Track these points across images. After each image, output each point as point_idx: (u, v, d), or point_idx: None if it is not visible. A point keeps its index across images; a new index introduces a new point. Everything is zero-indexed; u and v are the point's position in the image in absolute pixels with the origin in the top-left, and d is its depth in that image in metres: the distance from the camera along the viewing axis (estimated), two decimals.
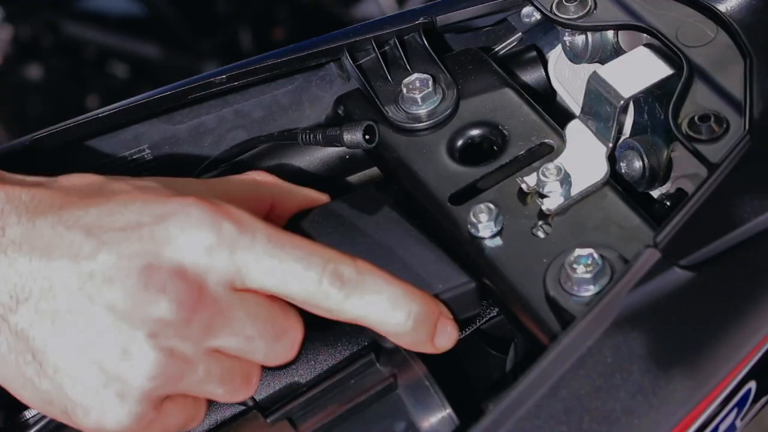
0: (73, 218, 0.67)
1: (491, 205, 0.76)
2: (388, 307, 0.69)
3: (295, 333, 0.70)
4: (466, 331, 0.83)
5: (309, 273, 0.68)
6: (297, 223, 0.78)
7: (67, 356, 0.66)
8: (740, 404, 0.73)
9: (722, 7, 0.79)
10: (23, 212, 0.67)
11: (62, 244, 0.66)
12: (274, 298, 0.69)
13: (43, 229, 0.67)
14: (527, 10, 0.89)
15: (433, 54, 0.86)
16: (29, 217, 0.67)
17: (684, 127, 0.75)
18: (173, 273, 0.66)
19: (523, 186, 0.78)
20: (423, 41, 0.87)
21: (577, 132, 0.80)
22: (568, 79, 0.91)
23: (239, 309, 0.67)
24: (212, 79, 0.84)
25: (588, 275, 0.70)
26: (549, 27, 0.91)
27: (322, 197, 0.81)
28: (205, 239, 0.67)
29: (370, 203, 0.78)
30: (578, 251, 0.71)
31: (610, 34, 0.84)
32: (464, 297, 0.74)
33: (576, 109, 0.88)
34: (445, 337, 0.72)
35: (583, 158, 0.79)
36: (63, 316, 0.66)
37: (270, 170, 0.83)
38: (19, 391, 0.68)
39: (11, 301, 0.66)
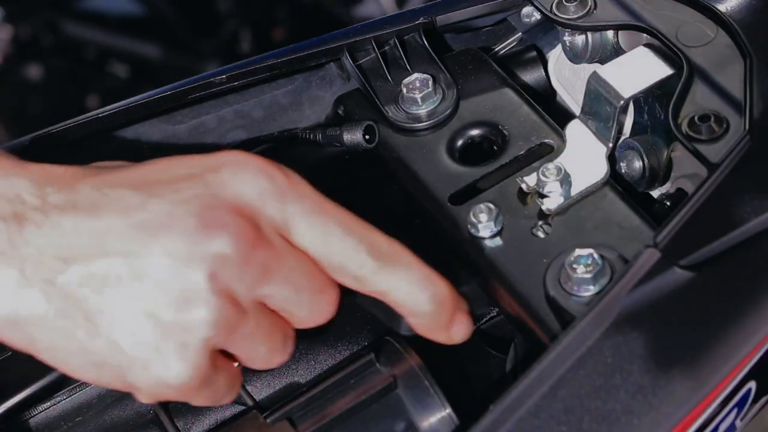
0: (117, 179, 0.67)
1: (491, 205, 0.76)
2: (415, 285, 0.70)
3: (334, 289, 0.70)
4: None
5: (349, 238, 0.68)
6: None
7: (123, 310, 0.65)
8: (740, 404, 0.73)
9: (722, 7, 0.79)
10: (61, 182, 0.66)
11: (109, 201, 0.66)
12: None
13: (86, 192, 0.66)
14: (527, 10, 0.89)
15: (433, 54, 0.86)
16: (69, 185, 0.66)
17: (684, 127, 0.75)
18: (232, 210, 0.66)
19: (523, 186, 0.78)
20: (423, 41, 0.87)
21: (577, 132, 0.80)
22: (568, 79, 0.91)
23: (290, 256, 0.67)
24: (212, 79, 0.84)
25: (588, 275, 0.70)
26: (549, 27, 0.91)
27: None
28: (259, 185, 0.67)
29: None
30: (578, 251, 0.71)
31: (610, 34, 0.84)
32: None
33: (576, 109, 0.88)
34: (461, 327, 0.72)
35: (583, 158, 0.79)
36: (116, 270, 0.64)
37: None
38: (67, 358, 0.66)
39: (59, 263, 0.64)
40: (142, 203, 0.65)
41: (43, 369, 0.83)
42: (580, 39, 0.84)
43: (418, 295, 0.70)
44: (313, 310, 0.69)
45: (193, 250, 0.64)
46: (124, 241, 0.65)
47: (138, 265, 0.65)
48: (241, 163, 0.68)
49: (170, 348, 0.65)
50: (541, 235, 0.76)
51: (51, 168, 0.68)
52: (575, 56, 0.85)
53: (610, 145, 0.79)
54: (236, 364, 0.70)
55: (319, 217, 0.68)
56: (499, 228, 0.76)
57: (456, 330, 0.72)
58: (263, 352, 0.69)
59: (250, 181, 0.67)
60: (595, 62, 0.85)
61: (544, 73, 0.92)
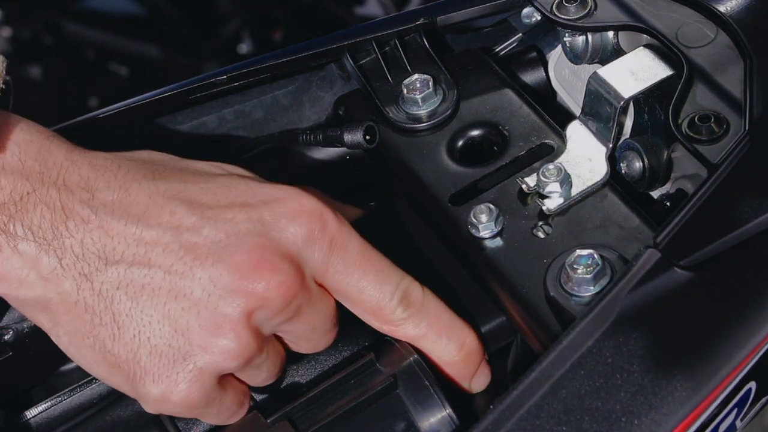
0: (172, 190, 0.67)
1: (491, 206, 0.76)
2: (443, 336, 0.72)
3: (338, 327, 0.73)
4: None
5: (385, 287, 0.70)
6: None
7: (152, 323, 0.65)
8: (740, 404, 0.73)
9: (722, 8, 0.79)
10: (112, 179, 0.67)
11: (162, 213, 0.66)
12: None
13: (139, 197, 0.66)
14: (527, 10, 0.89)
15: (434, 54, 0.86)
16: (120, 185, 0.67)
17: (684, 127, 0.76)
18: (284, 255, 0.67)
19: (524, 186, 0.78)
20: (423, 42, 0.87)
21: (577, 132, 0.81)
22: (568, 80, 0.91)
23: (320, 301, 0.69)
24: (213, 80, 0.84)
25: (588, 275, 0.70)
26: (549, 27, 0.91)
27: (358, 213, 0.82)
28: (311, 231, 0.68)
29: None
30: (578, 251, 0.71)
31: (610, 34, 0.84)
32: (496, 331, 0.78)
33: (576, 110, 0.88)
34: (482, 379, 0.75)
35: (583, 159, 0.79)
36: (155, 283, 0.65)
37: (270, 171, 0.83)
38: (83, 351, 0.67)
39: (99, 262, 0.65)
40: (194, 225, 0.66)
41: (44, 369, 0.83)
42: (580, 39, 0.84)
43: (445, 345, 0.73)
44: (317, 344, 0.72)
45: (238, 286, 0.66)
46: (170, 257, 0.66)
47: (179, 284, 0.65)
48: (299, 204, 0.68)
49: (186, 368, 0.66)
50: (541, 235, 0.76)
51: (104, 162, 0.68)
52: (575, 57, 0.85)
53: (610, 145, 0.79)
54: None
55: (360, 268, 0.70)
56: (500, 228, 0.76)
57: (477, 380, 0.75)
58: (264, 377, 0.71)
59: (305, 225, 0.68)
60: (595, 63, 0.85)
61: (544, 74, 0.92)
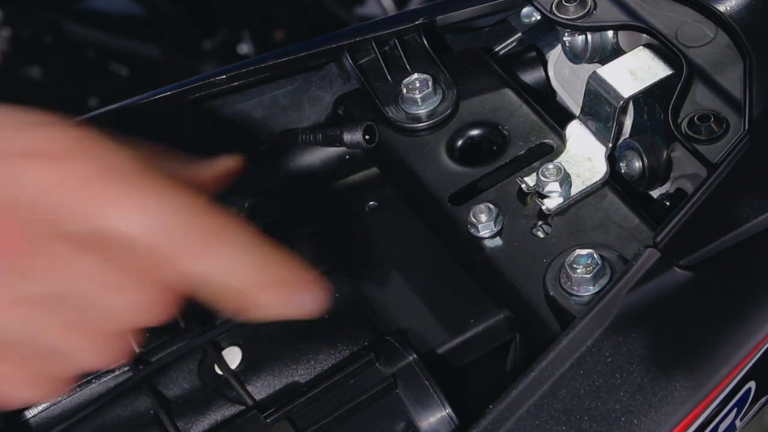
0: None
1: (491, 205, 0.76)
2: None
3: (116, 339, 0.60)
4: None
5: (143, 219, 0.59)
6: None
7: None
8: (740, 404, 0.73)
9: (722, 7, 0.79)
10: None
11: None
12: None
13: None
14: (527, 10, 0.89)
15: (433, 54, 0.86)
16: None
17: (684, 127, 0.76)
18: (4, 206, 0.57)
19: (523, 186, 0.78)
20: (423, 41, 0.87)
21: (576, 132, 0.81)
22: (567, 80, 0.91)
23: (65, 257, 0.58)
24: (212, 79, 0.84)
25: (588, 275, 0.70)
26: (549, 27, 0.91)
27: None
28: (58, 176, 0.59)
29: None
30: (578, 251, 0.71)
31: (609, 34, 0.84)
32: (493, 329, 0.78)
33: (576, 110, 0.88)
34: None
35: (582, 158, 0.79)
36: None
37: (269, 171, 0.83)
38: None
39: None
40: None
41: None
42: (579, 39, 0.84)
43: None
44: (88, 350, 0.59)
45: None
46: None
47: None
48: (57, 150, 0.60)
49: None
50: (540, 235, 0.76)
51: None
52: (575, 56, 0.85)
53: (610, 145, 0.79)
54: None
55: (129, 200, 0.59)
56: (499, 228, 0.76)
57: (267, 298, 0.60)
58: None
59: (50, 171, 0.59)
60: (594, 62, 0.85)
61: (543, 74, 0.92)
